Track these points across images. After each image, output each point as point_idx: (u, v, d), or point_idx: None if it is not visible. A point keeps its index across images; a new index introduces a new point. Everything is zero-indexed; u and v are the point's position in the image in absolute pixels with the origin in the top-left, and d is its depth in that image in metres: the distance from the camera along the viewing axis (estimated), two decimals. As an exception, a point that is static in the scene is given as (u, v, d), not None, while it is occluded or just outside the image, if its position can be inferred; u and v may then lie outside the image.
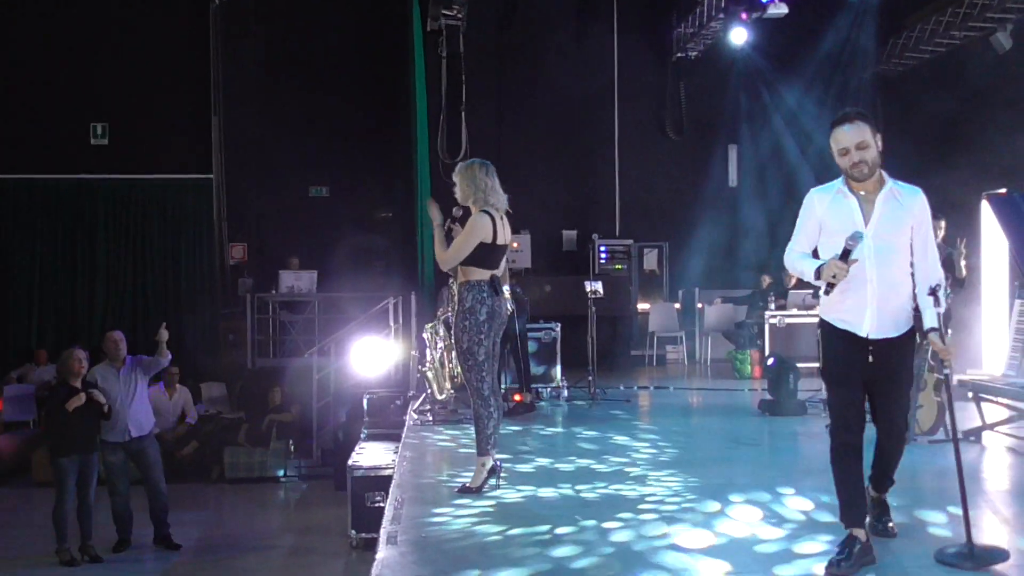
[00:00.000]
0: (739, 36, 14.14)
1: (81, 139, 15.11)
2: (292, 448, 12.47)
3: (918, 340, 4.27)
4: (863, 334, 4.10)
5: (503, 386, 10.04)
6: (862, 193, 4.13)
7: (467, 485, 5.50)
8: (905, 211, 4.12)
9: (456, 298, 5.56)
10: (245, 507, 11.21)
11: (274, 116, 15.27)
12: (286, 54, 15.24)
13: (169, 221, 15.32)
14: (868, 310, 4.08)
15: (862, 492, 4.20)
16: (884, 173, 4.15)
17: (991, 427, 7.23)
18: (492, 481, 5.53)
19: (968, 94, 13.03)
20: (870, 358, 4.12)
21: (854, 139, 4.06)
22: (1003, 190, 9.49)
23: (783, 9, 12.79)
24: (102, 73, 14.75)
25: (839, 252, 3.98)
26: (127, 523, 8.94)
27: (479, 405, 5.48)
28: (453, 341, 5.62)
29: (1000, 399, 7.24)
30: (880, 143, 4.11)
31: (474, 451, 5.66)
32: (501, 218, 5.52)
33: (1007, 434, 7.19)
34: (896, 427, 4.28)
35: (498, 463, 5.60)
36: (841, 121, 4.10)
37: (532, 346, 9.91)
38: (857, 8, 14.11)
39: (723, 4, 13.96)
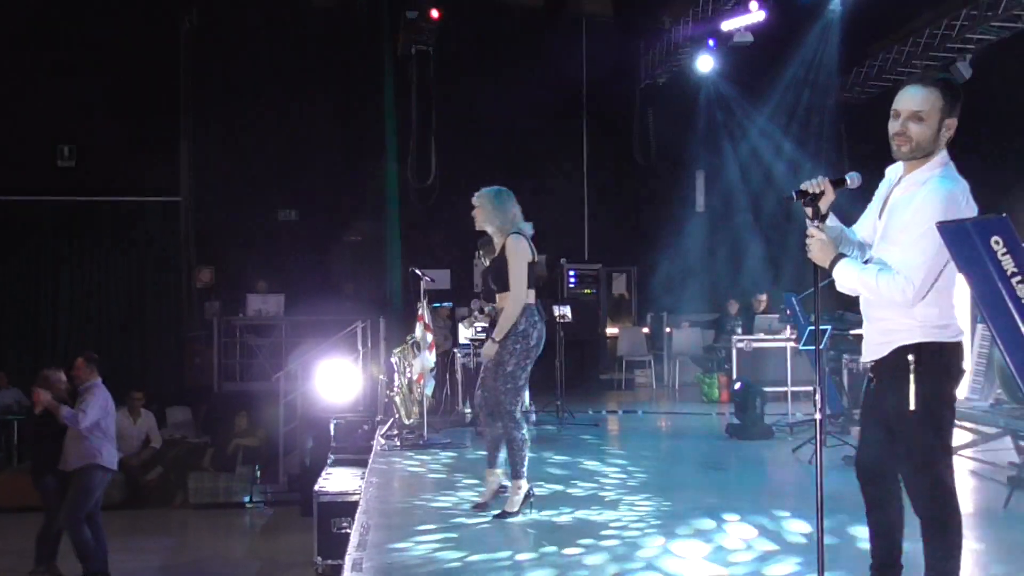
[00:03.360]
0: (706, 63, 14.35)
1: (48, 161, 14.95)
2: (258, 473, 12.35)
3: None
4: (863, 357, 3.56)
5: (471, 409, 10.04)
6: (904, 177, 3.40)
7: (506, 509, 5.47)
8: (909, 202, 3.32)
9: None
10: (209, 533, 11.08)
11: (243, 139, 15.22)
12: (256, 78, 15.20)
13: (136, 244, 15.16)
14: (864, 324, 3.52)
15: (879, 544, 3.56)
16: (944, 162, 3.36)
17: (955, 451, 7.31)
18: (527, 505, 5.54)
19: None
20: (871, 384, 3.53)
21: (912, 104, 3.28)
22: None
23: (748, 38, 12.97)
24: (70, 94, 14.61)
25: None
26: (82, 556, 8.38)
27: (512, 428, 5.45)
28: (492, 363, 5.52)
29: (963, 423, 7.31)
30: (950, 128, 3.33)
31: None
32: (530, 238, 5.63)
33: (971, 458, 7.27)
34: (897, 487, 3.44)
35: (531, 487, 5.59)
36: (915, 81, 3.34)
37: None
38: (821, 36, 14.33)
39: (690, 32, 14.15)
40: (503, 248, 5.54)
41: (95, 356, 8.72)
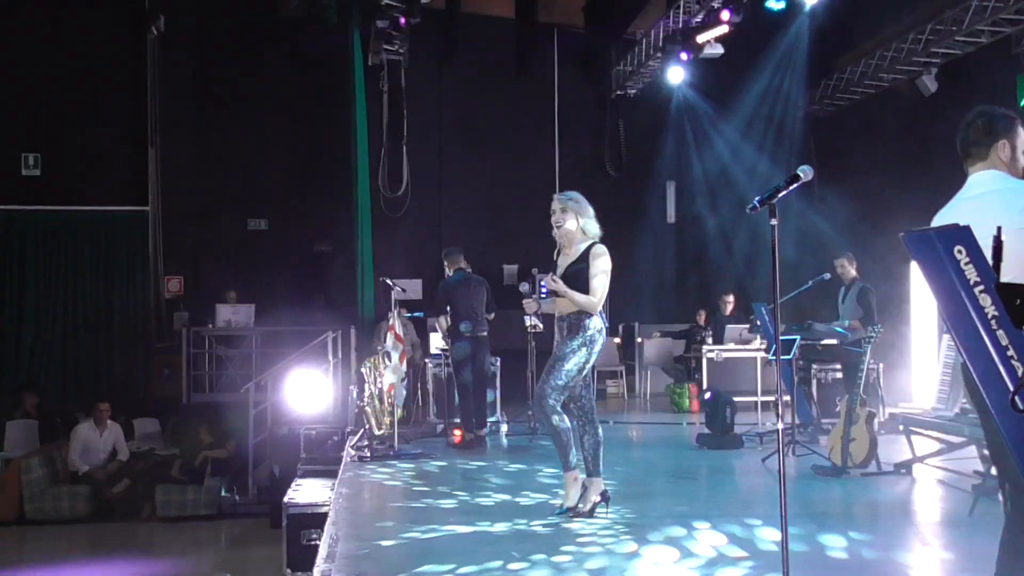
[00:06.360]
0: (676, 75, 14.46)
1: (12, 169, 14.74)
2: (227, 485, 12.23)
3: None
4: None
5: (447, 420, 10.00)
6: None
7: (571, 506, 5.59)
8: None
9: (567, 326, 5.64)
10: (178, 546, 10.95)
11: (212, 148, 15.13)
12: (225, 86, 15.13)
13: (103, 254, 14.95)
14: None
15: None
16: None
17: (921, 459, 7.38)
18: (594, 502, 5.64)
19: (896, 135, 13.46)
20: None
21: None
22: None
23: (719, 50, 13.08)
24: (35, 102, 14.45)
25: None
26: None
27: (557, 420, 5.49)
28: (553, 359, 5.61)
29: (930, 432, 7.38)
30: (1008, 149, 3.38)
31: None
32: None
33: (937, 466, 7.34)
34: None
35: (584, 479, 5.67)
36: None
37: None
38: (790, 49, 14.49)
39: (661, 43, 14.24)
40: (587, 253, 5.65)
41: None
